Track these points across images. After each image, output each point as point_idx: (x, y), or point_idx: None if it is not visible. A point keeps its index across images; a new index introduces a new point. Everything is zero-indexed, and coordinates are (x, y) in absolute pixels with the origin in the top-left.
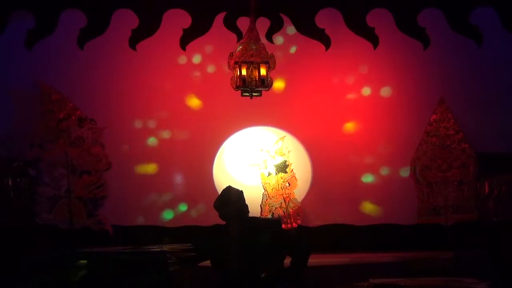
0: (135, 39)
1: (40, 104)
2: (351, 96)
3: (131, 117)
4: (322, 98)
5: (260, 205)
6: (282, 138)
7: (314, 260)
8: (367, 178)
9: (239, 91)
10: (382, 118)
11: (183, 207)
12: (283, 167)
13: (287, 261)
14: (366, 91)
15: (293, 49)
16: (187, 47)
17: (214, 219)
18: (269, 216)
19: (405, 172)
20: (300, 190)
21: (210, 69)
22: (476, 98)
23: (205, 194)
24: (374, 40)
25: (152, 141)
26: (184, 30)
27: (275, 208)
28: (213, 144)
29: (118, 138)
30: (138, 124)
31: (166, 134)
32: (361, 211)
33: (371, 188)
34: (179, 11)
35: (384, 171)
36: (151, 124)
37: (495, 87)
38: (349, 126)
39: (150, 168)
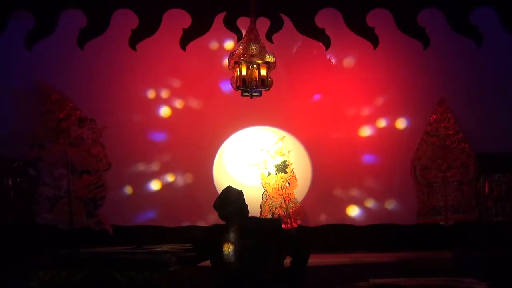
0: (135, 39)
1: (40, 104)
2: (351, 96)
3: (131, 117)
4: (322, 98)
5: (260, 205)
6: (282, 138)
7: (314, 260)
8: (367, 179)
9: (239, 91)
10: (382, 118)
11: (183, 207)
12: (283, 167)
13: (287, 261)
14: (366, 91)
15: (293, 49)
16: (187, 47)
17: (214, 219)
18: (269, 216)
19: (405, 172)
20: (300, 190)
21: (210, 69)
22: (476, 98)
23: (205, 194)
24: (374, 40)
25: (152, 141)
26: (184, 30)
27: (275, 208)
28: (213, 144)
29: (118, 138)
30: (138, 124)
31: (165, 134)
32: (361, 211)
33: (371, 188)
34: (179, 11)
35: (385, 171)
36: (151, 124)
37: (495, 87)
38: (349, 126)
39: (150, 167)
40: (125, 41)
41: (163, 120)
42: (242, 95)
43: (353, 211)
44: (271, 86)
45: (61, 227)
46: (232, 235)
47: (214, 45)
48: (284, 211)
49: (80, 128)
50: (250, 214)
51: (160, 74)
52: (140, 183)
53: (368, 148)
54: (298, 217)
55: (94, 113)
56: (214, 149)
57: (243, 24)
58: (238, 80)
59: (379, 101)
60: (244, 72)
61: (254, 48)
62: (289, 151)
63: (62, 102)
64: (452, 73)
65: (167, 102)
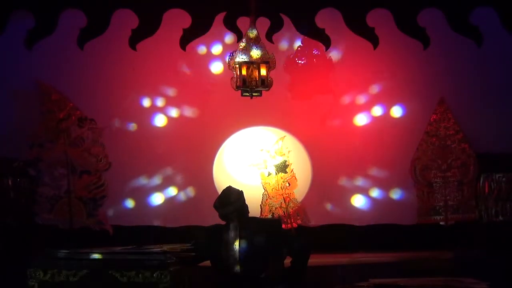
0: (135, 39)
1: (40, 104)
2: (351, 96)
3: (130, 117)
4: (322, 98)
5: (260, 205)
6: (282, 138)
7: (314, 260)
8: (367, 178)
9: (239, 91)
10: (382, 117)
11: (183, 207)
12: (283, 167)
13: (287, 261)
14: (366, 91)
15: (293, 49)
16: (187, 47)
17: (214, 219)
18: (269, 216)
19: (405, 172)
20: (300, 190)
21: (210, 69)
22: (476, 98)
23: (205, 194)
24: (374, 40)
25: (152, 141)
26: (184, 30)
27: (275, 208)
28: (213, 144)
29: (118, 138)
30: (137, 124)
31: (166, 134)
32: (361, 211)
33: (371, 188)
34: (179, 11)
35: (384, 171)
36: (151, 124)
37: (495, 87)
38: (349, 126)
39: (150, 167)
40: (125, 41)
41: (163, 120)
42: (242, 95)
43: (353, 211)
44: (271, 86)
45: (61, 227)
46: (232, 235)
47: (214, 45)
48: (284, 211)
49: (80, 128)
50: (250, 214)
51: (160, 74)
52: (140, 183)
53: (368, 148)
54: (298, 217)
55: (94, 113)
56: (214, 149)
57: (243, 24)
58: (238, 80)
59: (379, 101)
60: (244, 72)
61: (254, 48)
62: (289, 151)
63: (62, 102)
64: (452, 73)
65: (167, 102)
